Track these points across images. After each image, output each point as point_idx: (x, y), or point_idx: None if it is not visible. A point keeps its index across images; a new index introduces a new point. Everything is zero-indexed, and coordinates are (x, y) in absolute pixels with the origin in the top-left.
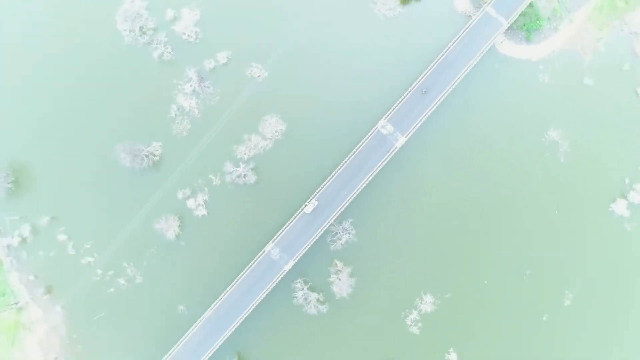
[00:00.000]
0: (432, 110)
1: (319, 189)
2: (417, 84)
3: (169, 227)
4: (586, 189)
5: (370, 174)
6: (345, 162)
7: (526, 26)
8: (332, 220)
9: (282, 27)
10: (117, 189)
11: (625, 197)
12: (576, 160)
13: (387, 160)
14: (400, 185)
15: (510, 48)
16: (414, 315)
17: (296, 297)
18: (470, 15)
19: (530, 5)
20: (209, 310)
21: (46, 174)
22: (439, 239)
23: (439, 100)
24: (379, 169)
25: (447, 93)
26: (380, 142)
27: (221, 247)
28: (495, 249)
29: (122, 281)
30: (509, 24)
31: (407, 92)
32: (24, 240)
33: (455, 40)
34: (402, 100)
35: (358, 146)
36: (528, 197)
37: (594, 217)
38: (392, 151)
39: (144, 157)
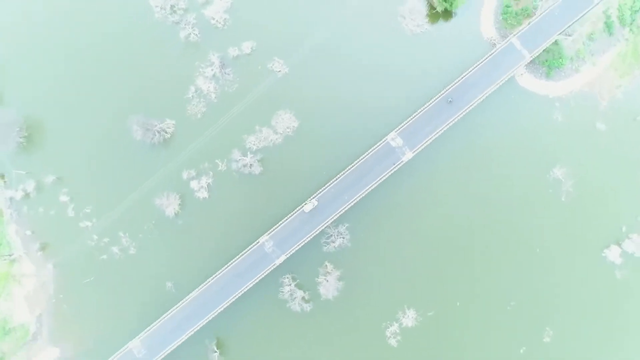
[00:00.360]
0: (443, 130)
1: (320, 190)
2: (431, 103)
3: (170, 205)
4: (583, 230)
5: (372, 183)
6: (350, 168)
7: (548, 62)
8: (329, 223)
9: (310, 27)
10: (125, 160)
11: (619, 245)
12: (577, 201)
13: (391, 172)
14: (401, 199)
15: (530, 81)
16: (395, 327)
17: (282, 291)
18: (494, 44)
19: (556, 42)
20: (195, 290)
21: (58, 135)
22: (430, 258)
23: (451, 121)
24: (382, 179)
25: (460, 117)
26: (387, 153)
27: (217, 232)
28: (483, 276)
29: (115, 250)
30: (531, 58)
31: (421, 109)
32: (27, 195)
33: (476, 66)
34: (415, 115)
35: (365, 154)
36: (524, 230)
37: (586, 260)
38: (398, 165)
39: (156, 133)
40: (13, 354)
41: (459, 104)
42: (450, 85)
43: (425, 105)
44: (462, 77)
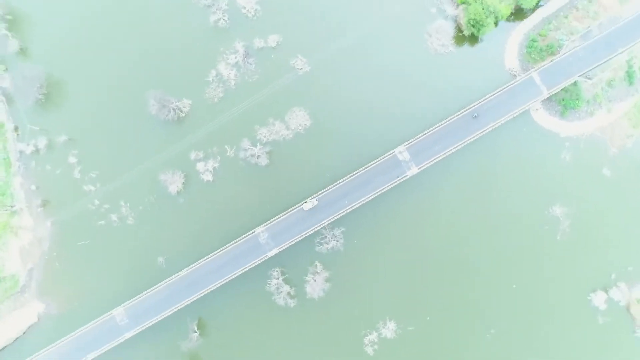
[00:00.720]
0: (451, 152)
1: (322, 191)
2: (442, 123)
3: (174, 182)
4: (572, 271)
5: (373, 192)
6: (355, 173)
7: (565, 102)
8: (326, 224)
9: (338, 30)
10: (137, 132)
11: (606, 291)
12: (571, 242)
13: (393, 185)
14: (400, 213)
15: (544, 117)
16: (374, 336)
17: (270, 284)
18: (515, 75)
19: (575, 83)
20: (185, 269)
21: (77, 97)
22: (419, 275)
23: (460, 144)
24: (383, 190)
25: (470, 141)
26: (393, 165)
27: (215, 215)
28: (469, 300)
29: (114, 217)
30: (549, 95)
31: (433, 127)
32: (37, 150)
33: (494, 94)
34: (426, 132)
35: (371, 163)
36: (516, 261)
37: (571, 301)
38: (401, 178)
39: (171, 110)
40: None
41: (469, 128)
42: (464, 109)
43: (438, 124)
44: (478, 103)
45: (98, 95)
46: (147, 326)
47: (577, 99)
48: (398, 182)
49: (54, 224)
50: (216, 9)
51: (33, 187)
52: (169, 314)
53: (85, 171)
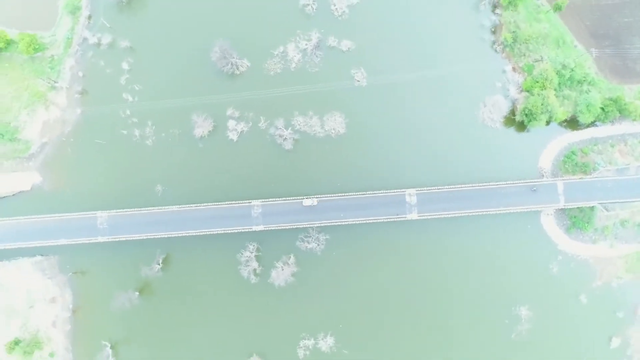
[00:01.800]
0: (453, 216)
1: (326, 195)
2: (460, 187)
3: (202, 127)
4: None
5: (368, 218)
6: (361, 194)
7: (575, 220)
8: (315, 226)
9: (406, 63)
10: (192, 69)
11: None
12: (522, 346)
13: (389, 220)
14: (382, 244)
15: (550, 224)
16: (310, 343)
17: (242, 254)
18: (543, 175)
19: (592, 208)
20: (176, 206)
21: (154, 14)
22: (376, 309)
23: (465, 212)
24: (377, 220)
25: (474, 214)
26: (398, 202)
27: (224, 172)
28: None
29: (136, 133)
30: (564, 207)
31: (449, 186)
32: (98, 44)
33: (518, 183)
34: (440, 188)
35: (380, 191)
36: (462, 337)
37: None
38: (399, 217)
39: (230, 63)
40: (3, 157)
41: (480, 203)
42: (485, 183)
43: (454, 186)
44: (499, 184)
45: (173, 22)
46: (121, 239)
47: (588, 223)
48: (395, 220)
49: (83, 114)
50: None
51: (80, 74)
52: (144, 238)
53: (131, 81)
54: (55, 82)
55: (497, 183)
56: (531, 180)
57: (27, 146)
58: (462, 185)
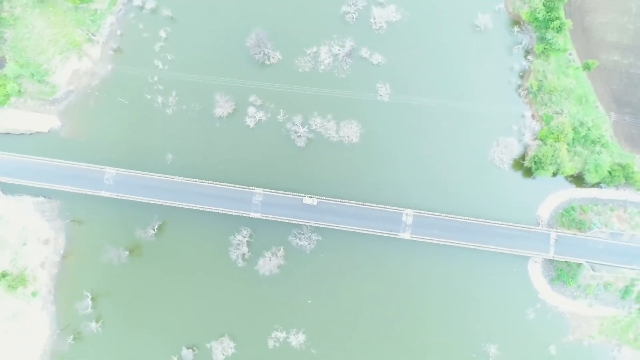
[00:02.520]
0: (443, 244)
1: (326, 198)
2: (456, 217)
3: (222, 107)
4: None
5: (362, 228)
6: (360, 204)
7: (560, 273)
8: (310, 225)
9: (430, 87)
10: (226, 50)
11: None
12: None
13: (381, 234)
14: (370, 255)
15: (535, 271)
16: (280, 335)
17: (234, 237)
18: (539, 223)
19: (579, 265)
20: (182, 177)
21: None
22: (353, 317)
23: (455, 243)
24: (370, 232)
25: (465, 247)
26: (394, 220)
27: (234, 154)
28: None
29: (159, 100)
30: (552, 258)
31: (445, 214)
32: (141, 7)
33: (511, 225)
34: (438, 215)
35: (379, 205)
36: None
37: None
38: (392, 234)
39: (262, 53)
40: (29, 96)
41: (471, 237)
42: (479, 219)
43: (450, 215)
44: (493, 223)
45: (217, 2)
46: (122, 198)
47: (572, 279)
48: (387, 235)
49: (113, 71)
50: (352, 3)
51: (118, 32)
52: (145, 201)
53: (165, 50)
54: (93, 35)
55: (492, 221)
56: (526, 226)
57: (53, 90)
58: (459, 217)
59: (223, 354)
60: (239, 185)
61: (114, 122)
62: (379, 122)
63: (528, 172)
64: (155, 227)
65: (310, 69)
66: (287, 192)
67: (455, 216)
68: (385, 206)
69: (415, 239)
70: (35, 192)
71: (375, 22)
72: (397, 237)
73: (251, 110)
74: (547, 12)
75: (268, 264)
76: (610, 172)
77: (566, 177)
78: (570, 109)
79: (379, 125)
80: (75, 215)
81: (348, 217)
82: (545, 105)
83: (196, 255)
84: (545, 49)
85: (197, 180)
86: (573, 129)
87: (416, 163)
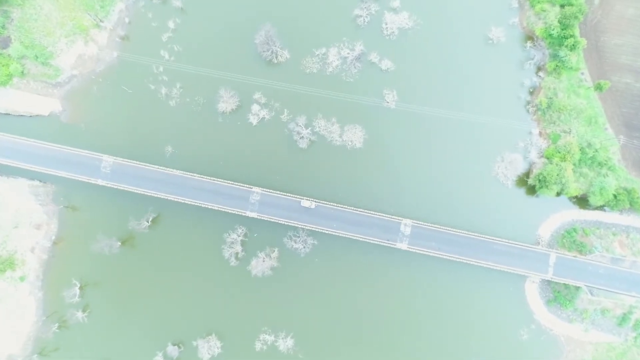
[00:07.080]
0: (440, 257)
1: (325, 202)
2: (454, 231)
3: (226, 103)
4: None
5: (358, 235)
6: (359, 211)
7: (558, 295)
8: (306, 228)
9: (436, 94)
10: (234, 45)
11: None
12: None
13: (377, 242)
14: (365, 263)
15: (532, 292)
16: (269, 339)
17: (228, 235)
18: (539, 242)
19: (577, 288)
20: (180, 171)
21: None
22: (343, 324)
23: (452, 257)
24: (366, 240)
25: (460, 261)
26: (392, 229)
27: (235, 151)
28: None
29: (163, 91)
30: (550, 279)
31: (444, 227)
32: None
33: (510, 242)
34: (437, 227)
35: (378, 213)
36: None
37: None
38: (388, 243)
39: (270, 50)
40: (31, 78)
41: (468, 252)
42: (478, 234)
43: (449, 228)
44: (492, 239)
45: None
46: (119, 187)
47: (569, 302)
48: (383, 244)
49: (118, 58)
50: (364, 8)
51: (126, 20)
52: (141, 192)
53: (172, 41)
54: (101, 20)
55: (492, 238)
56: (526, 245)
57: (57, 73)
58: (458, 230)
59: (209, 353)
60: (237, 183)
61: (115, 110)
62: (383, 129)
63: (531, 190)
64: (150, 220)
65: (317, 70)
66: (285, 193)
67: (454, 229)
68: (384, 215)
69: (412, 249)
70: (31, 175)
71: (387, 28)
72: (394, 246)
73: (255, 107)
74: (562, 30)
75: (261, 265)
76: (615, 196)
77: (570, 198)
78: (578, 129)
79: (383, 132)
80: (69, 201)
81: (345, 222)
82: (554, 123)
83: (189, 251)
84: (557, 66)
85: (195, 174)
86: (580, 150)
87: (418, 173)
